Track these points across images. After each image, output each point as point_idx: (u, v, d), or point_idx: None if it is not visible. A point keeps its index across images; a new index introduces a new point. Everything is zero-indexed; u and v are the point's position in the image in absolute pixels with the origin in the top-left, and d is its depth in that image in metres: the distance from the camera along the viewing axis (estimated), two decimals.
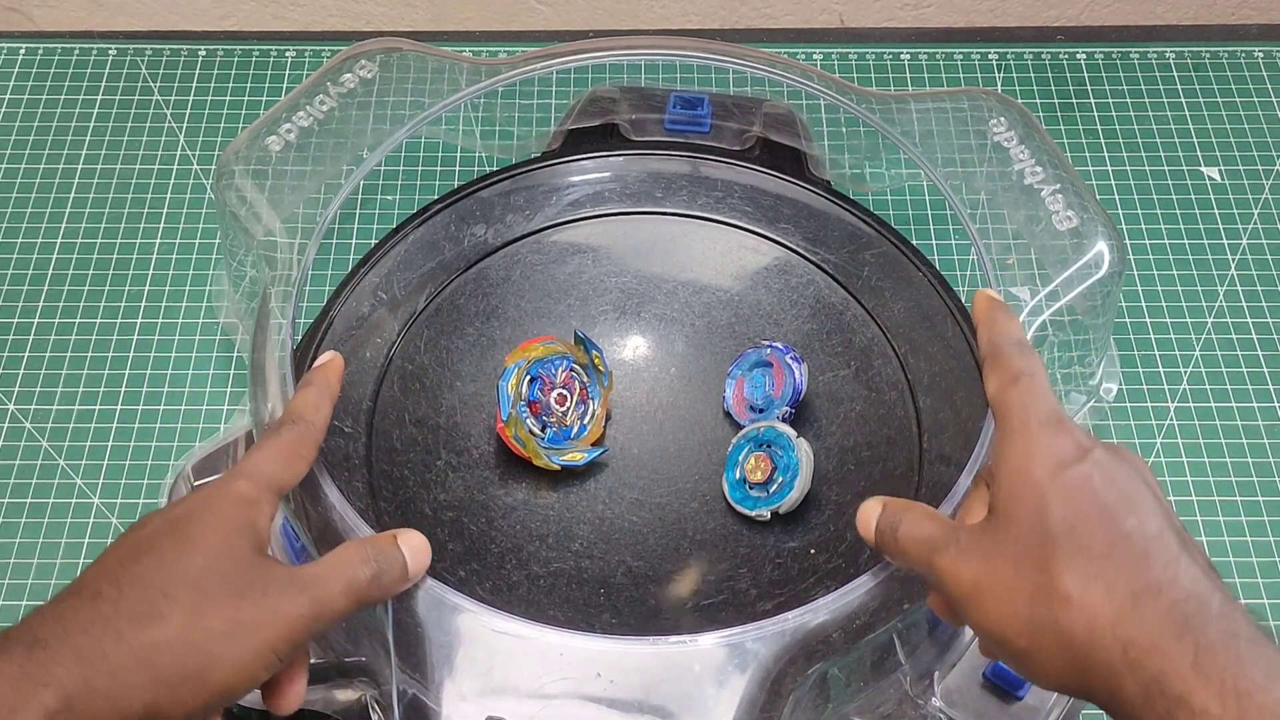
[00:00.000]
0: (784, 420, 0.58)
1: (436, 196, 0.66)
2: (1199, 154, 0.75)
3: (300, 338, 0.59)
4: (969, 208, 0.60)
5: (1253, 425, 0.65)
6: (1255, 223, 0.73)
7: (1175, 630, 0.36)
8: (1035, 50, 0.80)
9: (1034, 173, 0.60)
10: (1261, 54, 0.80)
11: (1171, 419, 0.65)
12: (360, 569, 0.43)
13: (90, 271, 0.70)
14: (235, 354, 0.66)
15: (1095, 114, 0.77)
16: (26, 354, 0.67)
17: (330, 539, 0.49)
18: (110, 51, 0.79)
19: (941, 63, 0.79)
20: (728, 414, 0.60)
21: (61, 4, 0.81)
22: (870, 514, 0.46)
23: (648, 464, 0.58)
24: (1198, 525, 0.62)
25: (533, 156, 0.69)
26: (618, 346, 0.62)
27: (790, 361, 0.58)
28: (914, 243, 0.65)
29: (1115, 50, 0.80)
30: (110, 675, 0.37)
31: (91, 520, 0.61)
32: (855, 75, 0.79)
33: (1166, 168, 0.75)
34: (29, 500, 0.62)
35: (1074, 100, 0.78)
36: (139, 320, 0.68)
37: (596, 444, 0.58)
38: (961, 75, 0.79)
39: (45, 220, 0.72)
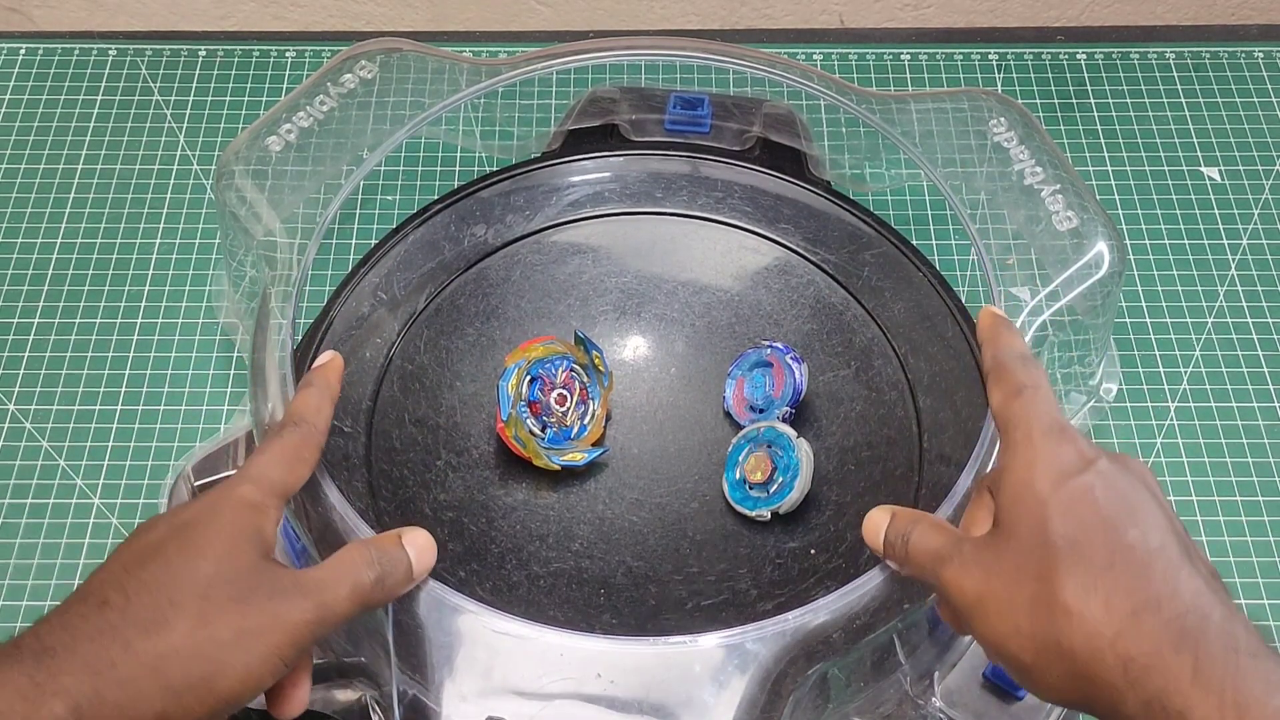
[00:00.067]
0: (784, 420, 0.58)
1: (436, 196, 0.66)
2: (1199, 154, 0.75)
3: (300, 338, 0.59)
4: (969, 208, 0.60)
5: (1253, 425, 0.65)
6: (1255, 223, 0.73)
7: (1175, 645, 0.36)
8: (1035, 50, 0.80)
9: (1034, 173, 0.60)
10: (1261, 54, 0.80)
11: (1171, 419, 0.65)
12: (364, 572, 0.43)
13: (90, 271, 0.70)
14: (235, 354, 0.66)
15: (1095, 114, 0.77)
16: (26, 354, 0.67)
17: (330, 539, 0.49)
18: (110, 51, 0.79)
19: (941, 63, 0.79)
20: (728, 414, 0.60)
21: (61, 4, 0.81)
22: (878, 523, 0.46)
23: (648, 464, 0.58)
24: (1198, 525, 0.62)
25: (533, 156, 0.69)
26: (618, 346, 0.62)
27: (790, 361, 0.58)
28: (914, 243, 0.65)
29: (1115, 50, 0.80)
30: (119, 685, 0.37)
31: (91, 520, 0.61)
32: (855, 75, 0.79)
33: (1166, 168, 0.75)
34: (29, 500, 0.62)
35: (1074, 100, 0.78)
36: (139, 320, 0.68)
37: (596, 444, 0.58)
38: (961, 75, 0.79)
39: (45, 220, 0.72)
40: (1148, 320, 0.69)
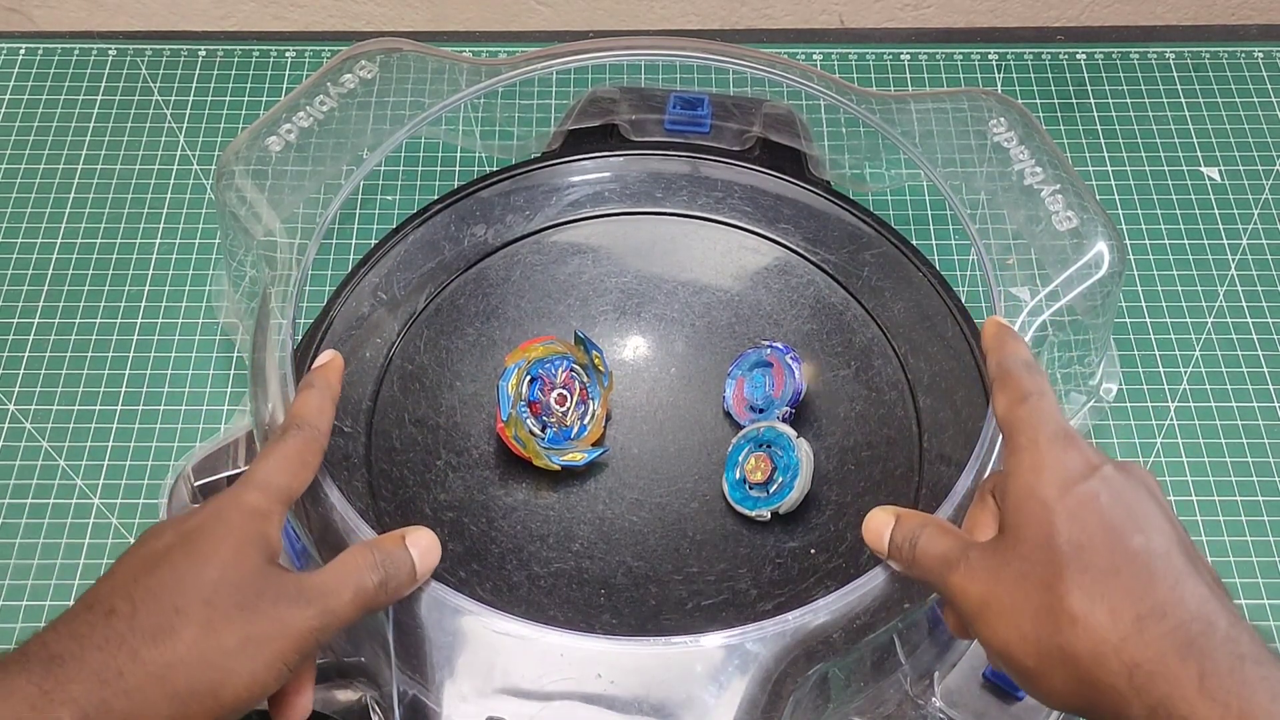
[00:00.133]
0: (784, 420, 0.58)
1: (436, 196, 0.66)
2: (1199, 154, 0.75)
3: (300, 338, 0.59)
4: (969, 208, 0.60)
5: (1253, 425, 0.65)
6: (1255, 223, 0.73)
7: (1180, 653, 0.36)
8: (1035, 50, 0.80)
9: (1034, 173, 0.60)
10: (1261, 54, 0.80)
11: (1171, 419, 0.65)
12: (368, 575, 0.43)
13: (90, 271, 0.70)
14: (235, 354, 0.66)
15: (1095, 114, 0.77)
16: (26, 354, 0.67)
17: (330, 539, 0.49)
18: (110, 51, 0.79)
19: (941, 63, 0.79)
20: (728, 414, 0.60)
21: (61, 4, 0.81)
22: (882, 525, 0.46)
23: (648, 464, 0.58)
24: (1198, 525, 0.62)
25: (533, 156, 0.69)
26: (618, 346, 0.62)
27: (790, 361, 0.58)
28: (914, 243, 0.65)
29: (1115, 50, 0.80)
30: (126, 694, 0.38)
31: (91, 520, 0.61)
32: (855, 75, 0.79)
33: (1166, 168, 0.75)
34: (29, 500, 0.62)
35: (1074, 100, 0.78)
36: (139, 320, 0.68)
37: (596, 444, 0.58)
38: (961, 75, 0.79)
39: (45, 220, 0.72)
40: (1148, 320, 0.69)
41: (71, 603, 0.58)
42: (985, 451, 0.51)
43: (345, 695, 0.50)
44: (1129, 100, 0.78)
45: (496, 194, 0.66)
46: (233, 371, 0.66)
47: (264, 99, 0.77)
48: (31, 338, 0.67)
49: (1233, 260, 0.71)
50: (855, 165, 0.71)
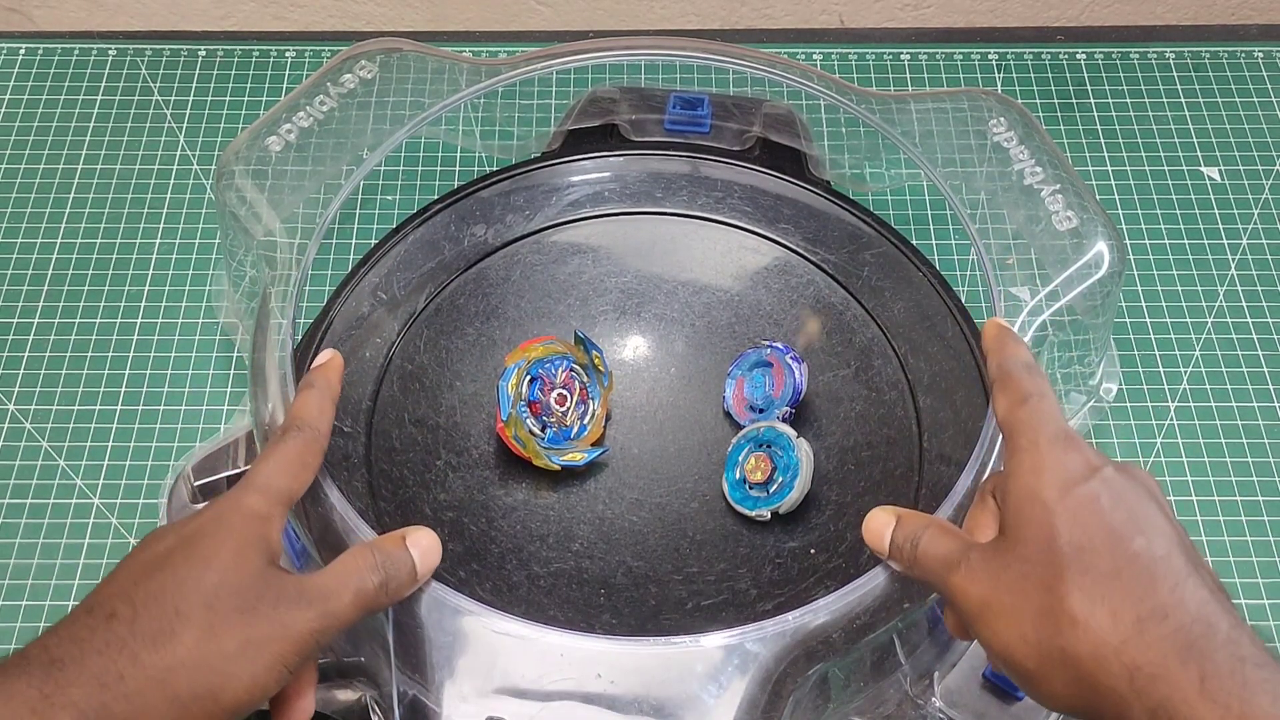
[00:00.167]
0: (784, 420, 0.58)
1: (436, 196, 0.66)
2: (1199, 154, 0.75)
3: (300, 338, 0.59)
4: (969, 208, 0.60)
5: (1253, 425, 0.65)
6: (1255, 223, 0.73)
7: (1181, 655, 0.36)
8: (1035, 50, 0.80)
9: (1034, 173, 0.60)
10: (1261, 54, 0.80)
11: (1171, 419, 0.65)
12: (368, 577, 0.43)
13: (90, 271, 0.70)
14: (235, 354, 0.66)
15: (1095, 114, 0.77)
16: (26, 354, 0.67)
17: (330, 539, 0.49)
18: (110, 51, 0.79)
19: (941, 63, 0.79)
20: (728, 414, 0.60)
21: (61, 4, 0.81)
22: (882, 525, 0.46)
23: (648, 464, 0.58)
24: (1198, 525, 0.62)
25: (533, 156, 0.69)
26: (618, 346, 0.62)
27: (790, 361, 0.58)
28: (914, 243, 0.65)
29: (1115, 50, 0.80)
30: (127, 698, 0.38)
31: (91, 520, 0.61)
32: (855, 75, 0.79)
33: (1166, 168, 0.75)
34: (29, 500, 0.62)
35: (1074, 100, 0.78)
36: (139, 320, 0.68)
37: (596, 444, 0.58)
38: (961, 75, 0.79)
39: (45, 220, 0.72)
40: (1148, 320, 0.69)
41: (71, 603, 0.59)
42: (985, 451, 0.51)
43: (345, 695, 0.50)
44: (1129, 100, 0.78)
45: (496, 194, 0.66)
46: (233, 371, 0.66)
47: (264, 99, 0.77)
48: (31, 338, 0.67)
49: (1233, 260, 0.71)
50: (855, 165, 0.71)
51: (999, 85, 0.78)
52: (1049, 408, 0.43)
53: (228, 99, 0.77)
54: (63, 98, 0.77)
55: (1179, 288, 0.70)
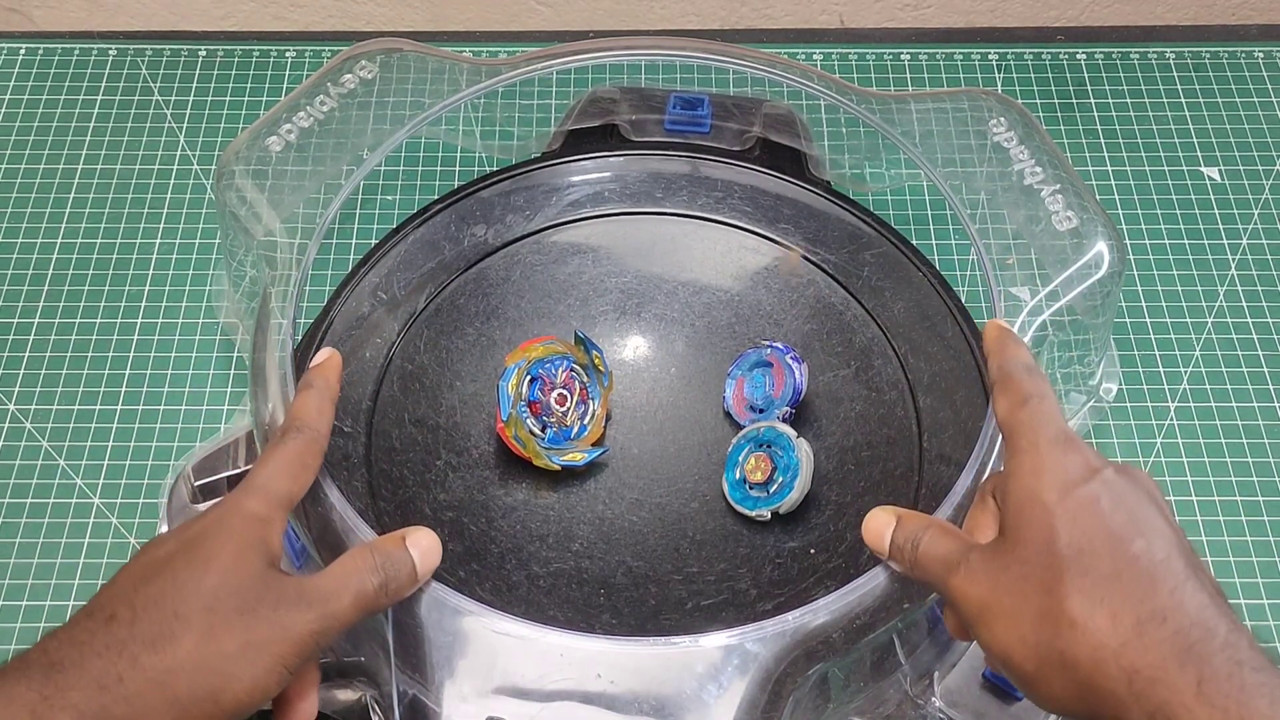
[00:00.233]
0: (784, 420, 0.58)
1: (436, 196, 0.66)
2: (1199, 154, 0.75)
3: (300, 338, 0.59)
4: (969, 208, 0.60)
5: (1253, 425, 0.65)
6: (1255, 223, 0.73)
7: (1179, 659, 0.36)
8: (1035, 50, 0.80)
9: (1034, 173, 0.60)
10: (1261, 54, 0.80)
11: (1171, 419, 0.65)
12: (368, 578, 0.43)
13: (90, 271, 0.70)
14: (235, 354, 0.66)
15: (1095, 114, 0.77)
16: (26, 354, 0.67)
17: (330, 539, 0.49)
18: (110, 51, 0.79)
19: (941, 63, 0.79)
20: (728, 414, 0.60)
21: (61, 4, 0.81)
22: (882, 525, 0.46)
23: (648, 464, 0.58)
24: (1198, 525, 0.62)
25: (533, 156, 0.69)
26: (618, 346, 0.62)
27: (790, 361, 0.58)
28: (914, 243, 0.65)
29: (1115, 50, 0.80)
30: (126, 701, 0.38)
31: (91, 520, 0.61)
32: (855, 75, 0.79)
33: (1166, 168, 0.75)
34: (29, 500, 0.62)
35: (1074, 100, 0.78)
36: (139, 320, 0.68)
37: (596, 444, 0.58)
38: (961, 75, 0.79)
39: (45, 220, 0.72)
40: (1148, 320, 0.69)
41: (71, 603, 0.59)
42: (985, 451, 0.51)
43: (345, 695, 0.50)
44: (1129, 100, 0.78)
45: (496, 194, 0.66)
46: (233, 371, 0.66)
47: (264, 99, 0.77)
48: (31, 338, 0.67)
49: (1233, 260, 0.71)
50: (855, 165, 0.71)
51: (999, 85, 0.78)
52: (1049, 409, 0.43)
53: (228, 99, 0.77)
54: (63, 98, 0.77)
55: (1179, 288, 0.70)
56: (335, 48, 0.74)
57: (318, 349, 0.58)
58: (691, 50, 0.64)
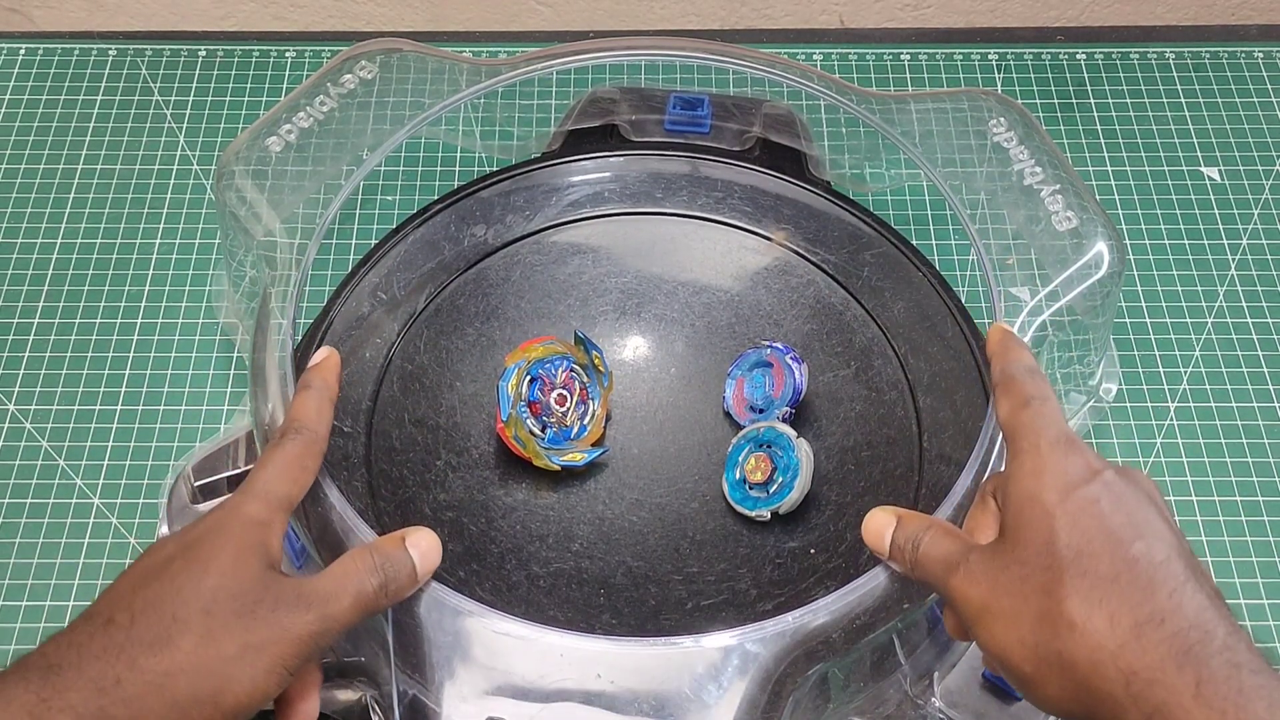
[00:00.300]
0: (784, 420, 0.58)
1: (436, 196, 0.66)
2: (1199, 154, 0.75)
3: (300, 338, 0.59)
4: (969, 208, 0.60)
5: (1253, 425, 0.65)
6: (1255, 223, 0.73)
7: (1177, 661, 0.36)
8: (1035, 50, 0.80)
9: (1034, 173, 0.60)
10: (1261, 54, 0.80)
11: (1171, 419, 0.65)
12: (368, 580, 0.43)
13: (90, 271, 0.70)
14: (235, 354, 0.66)
15: (1095, 114, 0.77)
16: (26, 354, 0.67)
17: (330, 539, 0.49)
18: (110, 51, 0.79)
19: (941, 63, 0.79)
20: (728, 414, 0.60)
21: (61, 4, 0.81)
22: (882, 526, 0.46)
23: (648, 464, 0.58)
24: (1198, 525, 0.62)
25: (533, 156, 0.69)
26: (618, 347, 0.62)
27: (790, 362, 0.58)
28: (914, 243, 0.65)
29: (1115, 50, 0.80)
30: (125, 703, 0.38)
31: (92, 520, 0.61)
32: (855, 75, 0.79)
33: (1166, 168, 0.75)
34: (29, 500, 0.62)
35: (1074, 100, 0.78)
36: (139, 320, 0.68)
37: (596, 444, 0.58)
38: (961, 75, 0.79)
39: (45, 220, 0.72)
40: (1148, 320, 0.69)
41: (71, 603, 0.59)
42: (985, 452, 0.51)
43: (345, 695, 0.50)
44: (1129, 100, 0.78)
45: (496, 194, 0.66)
46: (233, 371, 0.66)
47: (264, 99, 0.77)
48: (31, 338, 0.67)
49: (1233, 260, 0.71)
50: (855, 165, 0.71)
51: (999, 85, 0.78)
52: (1051, 411, 0.43)
53: (228, 99, 0.77)
54: (63, 98, 0.77)
55: (1179, 288, 0.70)
56: (335, 48, 0.74)
57: (317, 349, 0.58)
58: (691, 50, 0.64)
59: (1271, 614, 0.59)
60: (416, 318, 0.62)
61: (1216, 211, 0.73)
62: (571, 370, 0.59)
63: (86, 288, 0.69)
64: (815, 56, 0.80)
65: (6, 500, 0.62)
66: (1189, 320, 0.69)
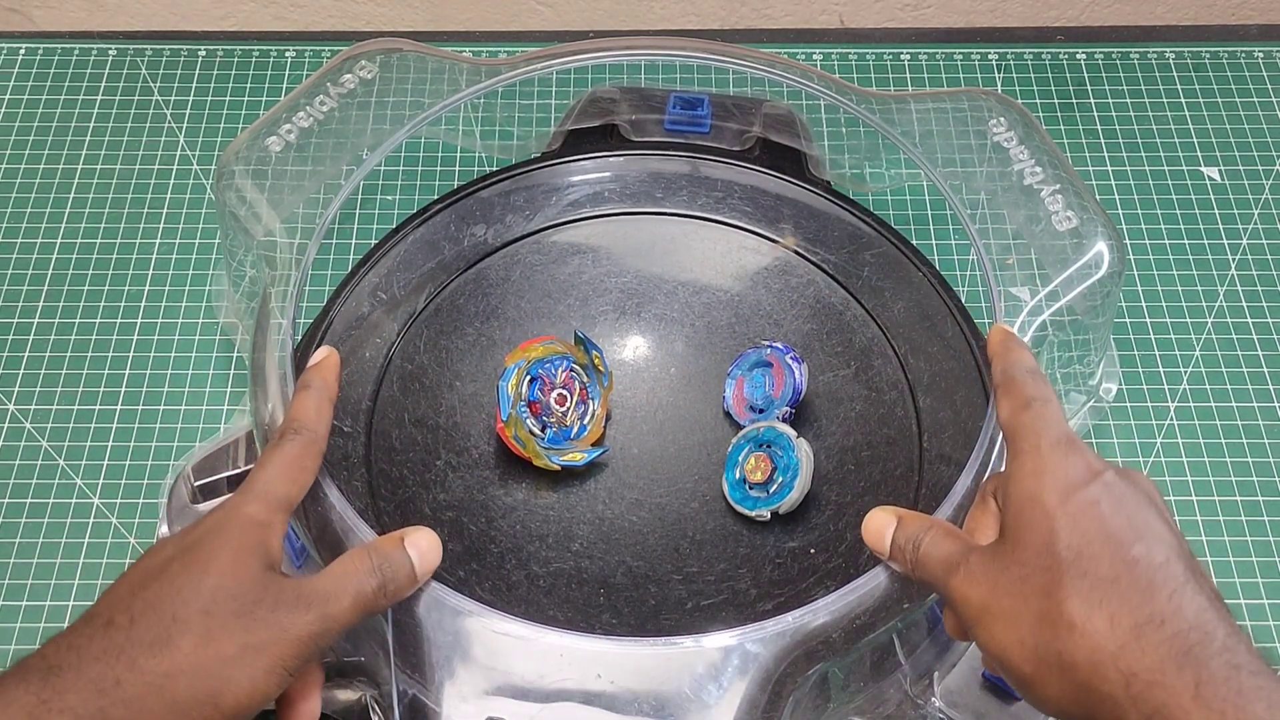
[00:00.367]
0: (784, 420, 0.58)
1: (436, 196, 0.66)
2: (1199, 154, 0.75)
3: (300, 338, 0.59)
4: (969, 208, 0.60)
5: (1253, 425, 0.65)
6: (1255, 223, 0.73)
7: (1177, 662, 0.36)
8: (1035, 50, 0.80)
9: (1034, 173, 0.60)
10: (1261, 54, 0.80)
11: (1171, 419, 0.65)
12: (366, 580, 0.43)
13: (90, 271, 0.70)
14: (235, 354, 0.66)
15: (1095, 114, 0.77)
16: (26, 354, 0.67)
17: (329, 538, 0.49)
18: (110, 51, 0.79)
19: (941, 63, 0.79)
20: (728, 414, 0.60)
21: (61, 4, 0.81)
22: (883, 526, 0.46)
23: (648, 464, 0.58)
24: (1198, 525, 0.62)
25: (533, 156, 0.69)
26: (618, 346, 0.62)
27: (790, 361, 0.58)
28: (914, 243, 0.65)
29: (1115, 50, 0.80)
30: (125, 704, 0.38)
31: (92, 520, 0.61)
32: (855, 75, 0.79)
33: (1166, 168, 0.75)
34: (29, 500, 0.62)
35: (1074, 100, 0.78)
36: (139, 320, 0.68)
37: (596, 444, 0.58)
38: (961, 75, 0.79)
39: (45, 220, 0.72)
40: (1148, 320, 0.69)
41: (71, 603, 0.59)
42: (985, 452, 0.51)
43: (345, 695, 0.50)
44: (1129, 100, 0.78)
45: (496, 194, 0.66)
46: (233, 371, 0.66)
47: (264, 99, 0.77)
48: (31, 338, 0.67)
49: (1233, 260, 0.71)
50: (855, 165, 0.71)
51: (999, 85, 0.78)
52: (1052, 412, 0.43)
53: (228, 99, 0.77)
54: (63, 98, 0.77)
55: (1179, 288, 0.70)
56: (335, 48, 0.74)
57: (317, 349, 0.58)
58: (691, 50, 0.64)
59: (1271, 614, 0.59)
60: (416, 318, 0.62)
61: (1216, 211, 0.73)
62: (571, 370, 0.59)
63: (86, 288, 0.69)
64: (815, 56, 0.80)
65: (6, 500, 0.62)
66: (1189, 320, 0.69)
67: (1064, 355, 0.58)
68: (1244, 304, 0.69)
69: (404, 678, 0.46)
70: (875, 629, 0.47)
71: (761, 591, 0.54)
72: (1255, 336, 0.68)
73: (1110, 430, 0.65)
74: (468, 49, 0.78)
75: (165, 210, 0.72)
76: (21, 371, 0.66)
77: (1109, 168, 0.75)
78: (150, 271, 0.70)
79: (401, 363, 0.61)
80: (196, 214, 0.72)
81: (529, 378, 0.58)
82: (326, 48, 0.80)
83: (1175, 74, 0.79)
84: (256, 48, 0.80)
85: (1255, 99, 0.78)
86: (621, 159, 0.68)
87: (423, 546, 0.46)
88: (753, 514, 0.56)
